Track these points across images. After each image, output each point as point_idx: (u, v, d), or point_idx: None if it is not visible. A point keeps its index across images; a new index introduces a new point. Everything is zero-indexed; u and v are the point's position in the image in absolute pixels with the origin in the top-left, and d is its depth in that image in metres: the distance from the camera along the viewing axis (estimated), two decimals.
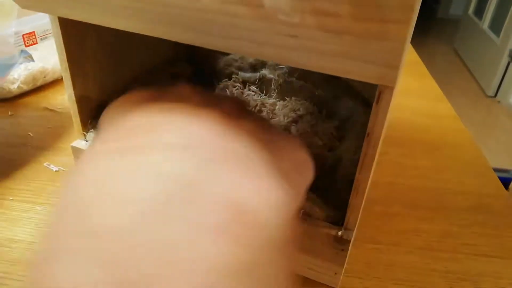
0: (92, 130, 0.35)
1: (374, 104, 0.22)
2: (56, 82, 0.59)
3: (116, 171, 0.13)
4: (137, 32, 0.25)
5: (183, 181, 0.13)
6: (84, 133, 0.35)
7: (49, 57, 0.56)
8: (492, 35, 2.60)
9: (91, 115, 0.35)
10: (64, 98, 0.56)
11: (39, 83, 0.56)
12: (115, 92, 0.38)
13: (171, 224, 0.12)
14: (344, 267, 0.30)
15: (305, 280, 0.32)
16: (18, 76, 0.53)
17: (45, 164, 0.43)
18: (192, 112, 0.16)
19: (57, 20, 0.29)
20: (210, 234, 0.12)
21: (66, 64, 0.31)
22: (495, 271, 0.33)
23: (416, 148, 0.49)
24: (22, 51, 0.53)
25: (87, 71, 0.34)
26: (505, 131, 2.24)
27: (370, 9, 0.15)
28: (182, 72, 0.46)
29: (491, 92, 2.55)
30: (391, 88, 0.21)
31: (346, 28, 0.16)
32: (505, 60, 2.40)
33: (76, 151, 0.36)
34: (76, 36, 0.31)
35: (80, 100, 0.34)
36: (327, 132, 0.40)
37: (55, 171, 0.42)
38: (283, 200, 0.15)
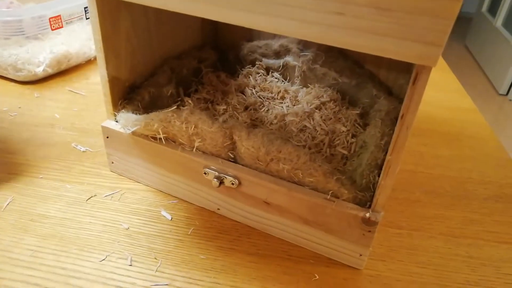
0: (122, 110, 0.35)
1: (410, 85, 0.23)
2: (79, 66, 0.60)
3: None
4: (178, 10, 0.25)
5: None
6: (115, 113, 0.36)
7: (73, 42, 0.57)
8: (506, 33, 2.58)
9: (122, 96, 0.36)
10: (87, 82, 0.57)
11: (63, 67, 0.57)
12: (145, 75, 0.39)
13: None
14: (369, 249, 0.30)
15: (330, 261, 0.32)
16: (44, 59, 0.54)
17: (72, 144, 0.44)
18: None
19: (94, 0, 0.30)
20: None
21: (101, 44, 0.32)
22: None
23: (436, 138, 0.49)
24: None
25: (119, 52, 0.34)
26: None
27: None
28: (207, 58, 0.47)
29: (502, 90, 2.53)
30: (429, 69, 0.22)
31: (397, 5, 0.17)
32: None
33: (106, 131, 0.36)
34: (111, 17, 0.32)
35: (112, 81, 0.34)
36: (351, 118, 0.41)
37: (83, 151, 0.43)
38: None
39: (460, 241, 0.35)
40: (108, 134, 0.36)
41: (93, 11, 0.30)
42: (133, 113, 0.34)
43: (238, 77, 0.48)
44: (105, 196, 0.37)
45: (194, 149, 0.33)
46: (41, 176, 0.39)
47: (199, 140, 0.33)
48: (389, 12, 0.17)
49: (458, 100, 0.58)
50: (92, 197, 0.37)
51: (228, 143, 0.32)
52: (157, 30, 0.39)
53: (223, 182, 0.33)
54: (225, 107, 0.41)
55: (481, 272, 0.32)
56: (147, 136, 0.34)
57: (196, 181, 0.35)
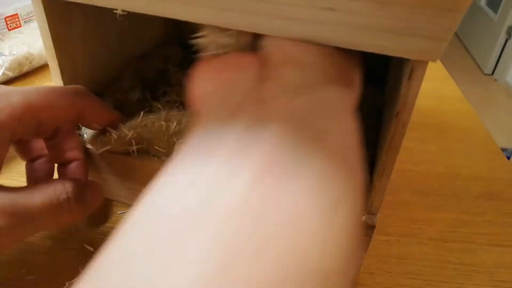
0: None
1: (405, 81, 0.20)
2: (43, 68, 0.56)
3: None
4: (136, 11, 0.22)
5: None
6: (78, 126, 0.33)
7: (35, 41, 0.53)
8: (490, 12, 2.57)
9: None
10: (52, 85, 0.53)
11: (25, 69, 0.53)
12: (106, 81, 0.35)
13: None
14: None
15: None
16: (3, 62, 0.50)
17: None
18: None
19: (40, 2, 0.26)
20: None
21: (52, 50, 0.29)
22: (511, 262, 0.32)
23: (423, 131, 0.47)
24: None
25: (75, 58, 0.31)
26: (502, 109, 2.24)
27: None
28: (173, 55, 0.44)
29: (488, 70, 2.53)
30: (425, 64, 0.19)
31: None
32: (502, 37, 2.37)
33: None
34: (61, 19, 0.29)
35: None
36: None
37: None
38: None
39: (451, 246, 0.33)
40: None
41: (41, 15, 0.27)
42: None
43: None
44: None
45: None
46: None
47: (181, 140, 0.30)
48: (389, 6, 0.15)
49: (445, 89, 0.56)
50: None
51: None
52: (116, 28, 0.35)
53: None
54: None
55: (474, 280, 0.30)
56: (118, 152, 0.31)
57: None
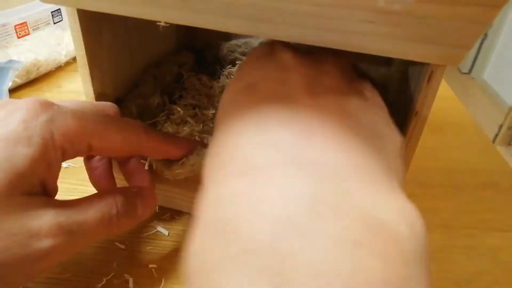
0: None
1: (425, 83, 0.23)
2: (49, 74, 0.57)
3: (248, 192, 0.15)
4: (179, 23, 0.24)
5: (314, 198, 0.14)
6: None
7: (41, 48, 0.54)
8: None
9: None
10: (60, 91, 0.54)
11: (32, 76, 0.54)
12: (128, 87, 0.37)
13: (314, 239, 0.12)
14: None
15: None
16: (13, 69, 0.51)
17: None
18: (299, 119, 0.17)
19: (75, 13, 0.28)
20: (352, 248, 0.12)
21: (85, 59, 0.30)
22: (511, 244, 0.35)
23: None
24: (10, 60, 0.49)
25: (104, 67, 0.33)
26: (479, 106, 2.31)
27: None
28: (186, 61, 0.45)
29: (465, 69, 2.62)
30: (443, 67, 0.22)
31: (434, 12, 0.17)
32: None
33: None
34: (92, 29, 0.30)
35: (98, 97, 0.32)
36: None
37: (65, 167, 0.41)
38: (416, 214, 0.16)
39: (456, 232, 0.36)
40: None
41: (75, 26, 0.28)
42: None
43: (220, 78, 0.47)
44: None
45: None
46: None
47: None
48: (424, 19, 0.17)
49: (439, 90, 0.59)
50: None
51: None
52: (137, 38, 0.37)
53: None
54: (213, 111, 0.40)
55: (479, 261, 0.33)
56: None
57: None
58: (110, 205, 0.25)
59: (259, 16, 0.21)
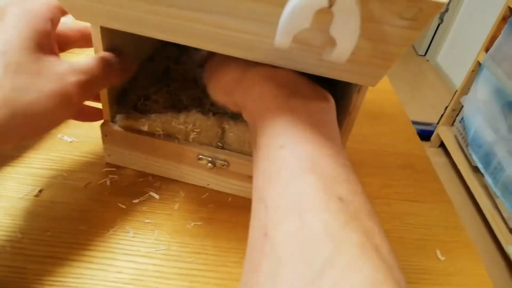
0: (117, 113, 0.42)
1: (355, 93, 0.34)
2: None
3: None
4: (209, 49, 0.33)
5: None
6: (112, 115, 0.43)
7: None
8: None
9: (114, 100, 0.43)
10: None
11: None
12: (129, 80, 0.45)
13: None
14: None
15: None
16: None
17: (59, 135, 0.50)
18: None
19: (98, 31, 0.36)
20: None
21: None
22: (415, 211, 0.47)
23: (361, 118, 0.61)
24: None
25: None
26: (432, 88, 2.49)
27: (380, 53, 0.27)
28: (171, 55, 0.54)
29: (421, 51, 2.78)
30: (366, 86, 0.33)
31: (363, 60, 0.27)
32: (435, 22, 2.61)
33: (105, 130, 0.43)
34: (112, 42, 0.38)
35: (108, 89, 0.41)
36: None
37: (70, 142, 0.49)
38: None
39: (376, 201, 0.48)
40: (106, 133, 0.43)
41: (98, 43, 0.36)
42: (127, 115, 0.42)
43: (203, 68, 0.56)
44: (100, 182, 0.45)
45: (191, 139, 0.42)
46: (38, 167, 0.45)
47: (195, 133, 0.41)
48: (356, 63, 0.28)
49: (380, 83, 0.71)
50: (88, 183, 0.44)
51: (220, 132, 0.41)
52: (136, 37, 0.45)
53: (215, 165, 0.42)
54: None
55: (391, 222, 0.46)
56: (144, 132, 0.42)
57: (190, 165, 0.44)
58: (108, 59, 0.36)
59: (259, 50, 0.31)
